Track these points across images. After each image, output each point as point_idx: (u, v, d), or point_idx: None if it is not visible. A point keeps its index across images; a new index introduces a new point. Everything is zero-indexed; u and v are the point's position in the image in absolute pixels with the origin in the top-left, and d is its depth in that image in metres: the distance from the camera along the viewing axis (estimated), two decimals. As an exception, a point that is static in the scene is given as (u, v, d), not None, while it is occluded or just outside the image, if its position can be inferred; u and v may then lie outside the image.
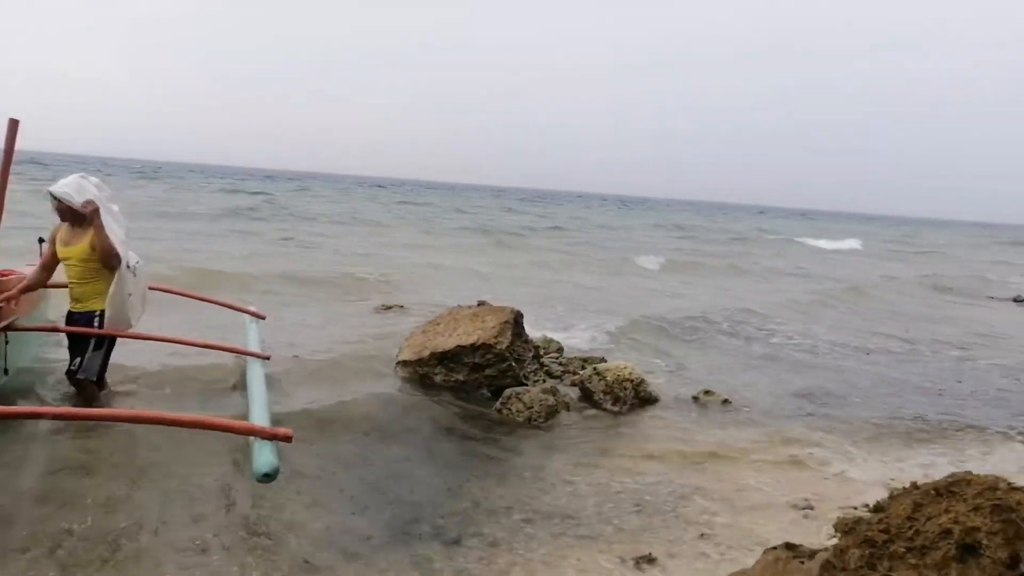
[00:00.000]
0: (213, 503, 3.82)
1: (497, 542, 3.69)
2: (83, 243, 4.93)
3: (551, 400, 5.88)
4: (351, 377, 6.29)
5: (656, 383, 6.70)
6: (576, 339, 8.55)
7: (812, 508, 4.17)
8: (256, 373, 5.40)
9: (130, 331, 5.24)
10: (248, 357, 5.81)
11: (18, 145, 4.94)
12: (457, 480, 4.45)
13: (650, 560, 3.52)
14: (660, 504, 4.21)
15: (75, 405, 5.04)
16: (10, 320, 5.13)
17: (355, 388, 5.98)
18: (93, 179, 5.05)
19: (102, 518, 3.56)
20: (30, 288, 5.26)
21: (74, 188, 4.88)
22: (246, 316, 7.22)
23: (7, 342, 5.23)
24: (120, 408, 3.93)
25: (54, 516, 3.52)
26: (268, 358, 5.94)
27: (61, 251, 5.01)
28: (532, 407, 5.77)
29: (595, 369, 6.36)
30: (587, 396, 6.23)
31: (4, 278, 5.39)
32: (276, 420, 4.60)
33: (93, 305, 5.06)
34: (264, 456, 3.55)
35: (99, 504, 3.67)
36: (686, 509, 4.15)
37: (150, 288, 6.38)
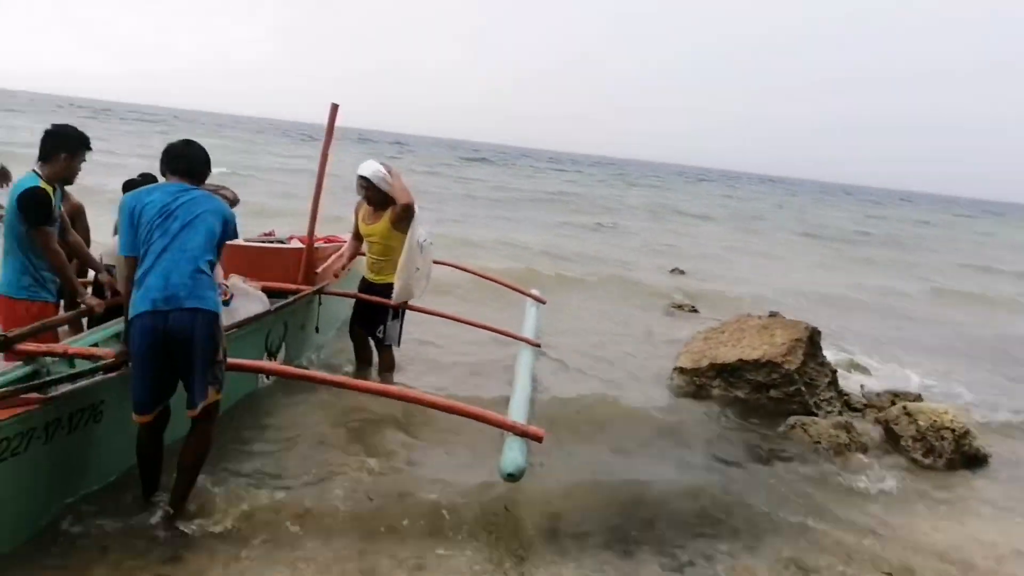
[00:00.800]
0: (460, 471, 3.89)
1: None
2: (383, 222, 5.31)
3: (843, 437, 5.05)
4: (620, 375, 6.04)
5: (989, 438, 5.42)
6: (901, 378, 7.00)
7: None
8: (524, 360, 5.39)
9: (413, 303, 5.56)
10: (520, 342, 5.84)
11: (338, 123, 5.47)
12: (703, 503, 3.96)
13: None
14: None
15: (379, 367, 5.52)
16: (324, 284, 5.71)
17: (621, 387, 5.72)
18: (384, 163, 5.44)
19: (368, 473, 3.78)
20: (344, 257, 5.82)
21: (376, 173, 5.28)
22: (527, 299, 7.32)
23: (320, 303, 5.83)
24: (388, 384, 4.13)
25: (308, 466, 3.79)
26: (539, 346, 5.92)
27: (364, 228, 5.45)
28: (818, 441, 5.01)
29: (905, 408, 5.33)
30: (892, 440, 5.24)
31: (327, 244, 6.03)
32: (535, 413, 4.54)
33: (390, 278, 5.45)
34: (512, 455, 3.48)
35: (359, 468, 3.87)
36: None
37: (438, 263, 6.76)
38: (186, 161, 3.29)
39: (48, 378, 3.12)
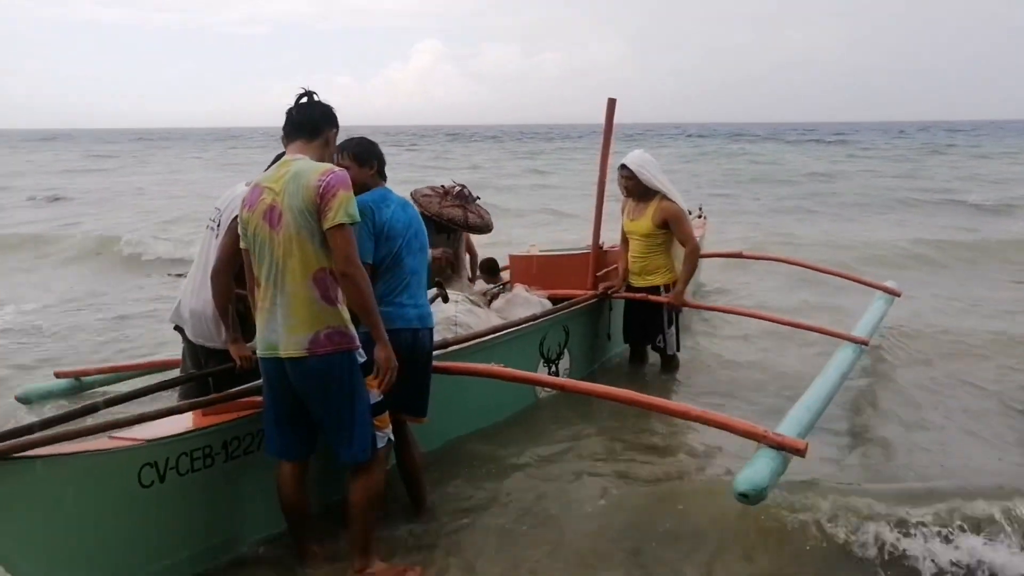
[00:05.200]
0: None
1: None
2: (646, 218, 4.93)
3: None
4: (977, 403, 4.61)
5: None
6: None
7: None
8: (838, 361, 4.49)
9: (704, 303, 5.02)
10: (843, 340, 4.89)
11: (617, 120, 5.15)
12: None
13: None
14: None
15: (661, 368, 5.26)
16: (610, 287, 5.43)
17: (965, 424, 4.35)
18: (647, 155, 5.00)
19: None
20: (623, 259, 5.49)
21: (640, 162, 4.89)
22: (877, 292, 6.18)
23: (611, 308, 5.57)
24: (631, 390, 3.52)
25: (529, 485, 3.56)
26: (866, 343, 4.88)
27: (626, 225, 5.11)
28: None
29: None
30: None
31: (610, 250, 5.77)
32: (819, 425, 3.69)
33: (655, 280, 5.05)
34: (753, 469, 2.81)
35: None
36: None
37: (770, 259, 6.01)
38: (381, 161, 3.15)
39: None
